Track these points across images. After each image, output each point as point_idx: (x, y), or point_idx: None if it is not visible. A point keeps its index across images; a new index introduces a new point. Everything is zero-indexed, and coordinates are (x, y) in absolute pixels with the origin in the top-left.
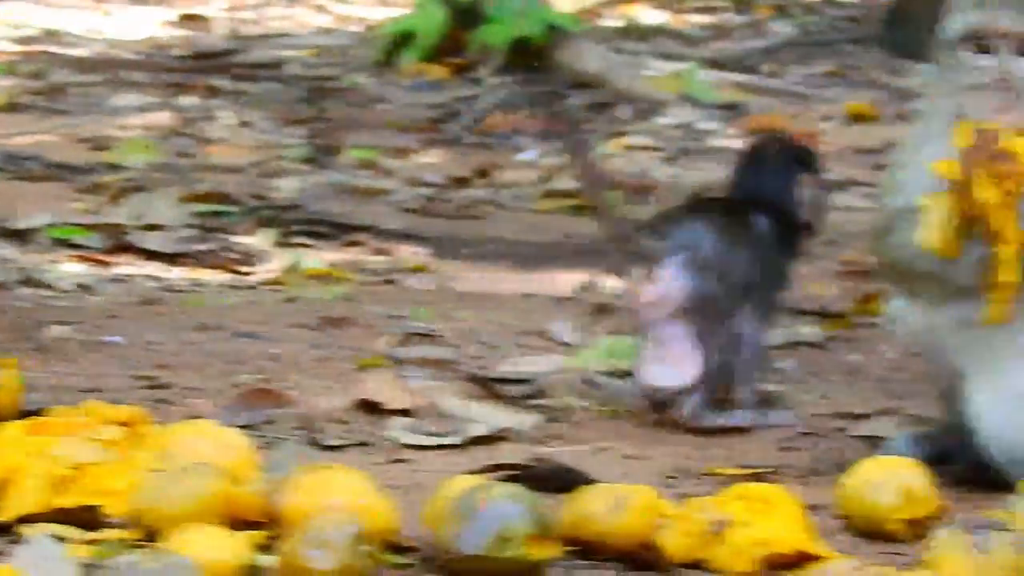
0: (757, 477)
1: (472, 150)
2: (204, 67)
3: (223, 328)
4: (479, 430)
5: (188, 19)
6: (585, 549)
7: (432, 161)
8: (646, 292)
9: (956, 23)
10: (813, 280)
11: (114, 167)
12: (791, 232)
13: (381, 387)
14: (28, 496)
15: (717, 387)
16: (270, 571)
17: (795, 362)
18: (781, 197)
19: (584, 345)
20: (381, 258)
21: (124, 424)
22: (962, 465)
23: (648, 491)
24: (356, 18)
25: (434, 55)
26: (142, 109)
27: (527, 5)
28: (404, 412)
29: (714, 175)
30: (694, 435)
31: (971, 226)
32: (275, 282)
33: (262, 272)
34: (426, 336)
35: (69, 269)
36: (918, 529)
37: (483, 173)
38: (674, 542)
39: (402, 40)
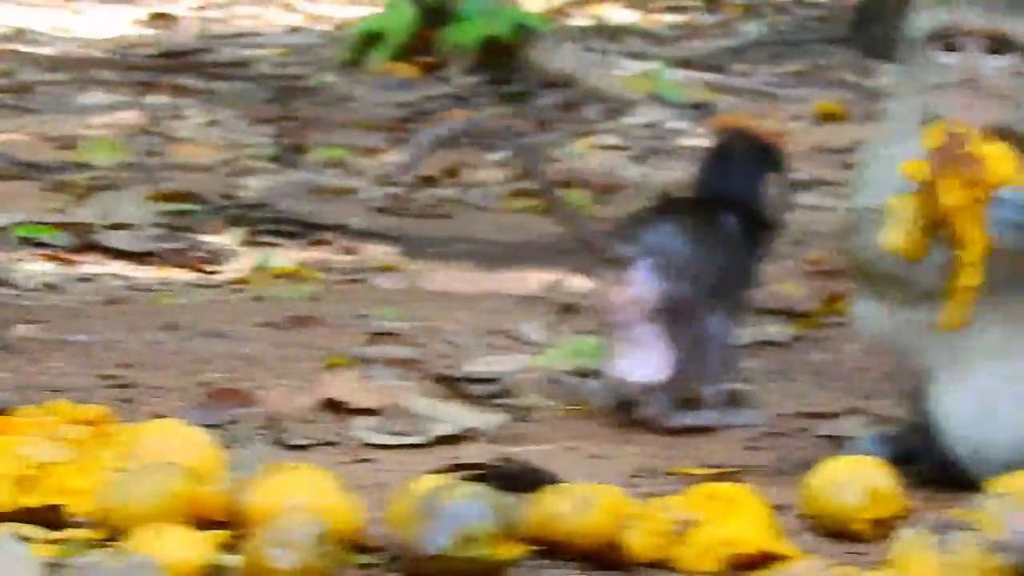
0: (722, 477)
1: (440, 149)
2: (173, 66)
3: (189, 327)
4: (445, 429)
5: (157, 18)
6: (550, 549)
7: (400, 160)
8: (617, 294)
9: (923, 21)
10: (780, 280)
11: (81, 166)
12: (758, 231)
13: (347, 386)
14: None
15: (684, 387)
16: (234, 570)
17: (762, 362)
18: (748, 195)
19: (551, 344)
20: (348, 257)
21: (89, 423)
22: (928, 465)
23: (613, 491)
24: (325, 17)
25: (403, 54)
26: (110, 108)
27: (496, 4)
28: (370, 411)
29: (683, 174)
30: (660, 435)
31: (936, 229)
32: (242, 281)
33: (229, 271)
34: (393, 335)
35: (36, 268)
36: (883, 529)
37: (452, 172)
38: (639, 542)
39: (371, 39)
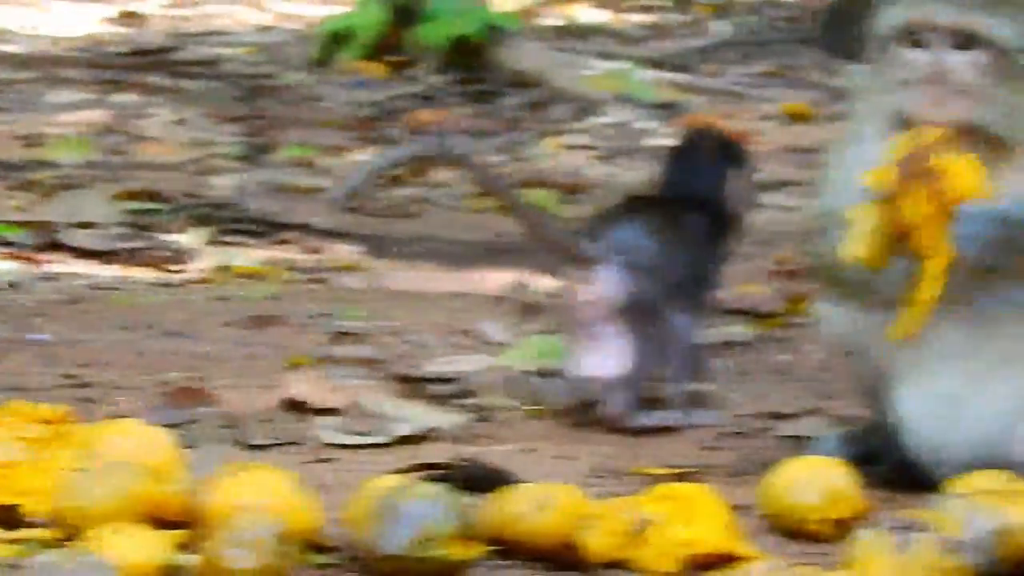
0: (682, 477)
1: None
2: (141, 64)
3: (151, 327)
4: (405, 429)
5: (127, 16)
6: (508, 549)
7: (366, 159)
8: (583, 292)
9: (890, 18)
10: (745, 280)
11: (47, 164)
12: (722, 229)
13: (308, 386)
14: None
15: (647, 386)
16: (191, 571)
17: (724, 362)
18: (712, 194)
19: (513, 344)
20: (313, 256)
21: (48, 423)
22: (888, 465)
23: (572, 491)
24: (295, 16)
25: (372, 53)
26: (78, 106)
27: (466, 4)
28: (331, 411)
29: (650, 174)
30: (621, 435)
31: (898, 239)
32: (205, 280)
33: (193, 271)
34: (355, 335)
35: None
36: (843, 529)
37: (417, 172)
38: (597, 542)
39: (340, 38)
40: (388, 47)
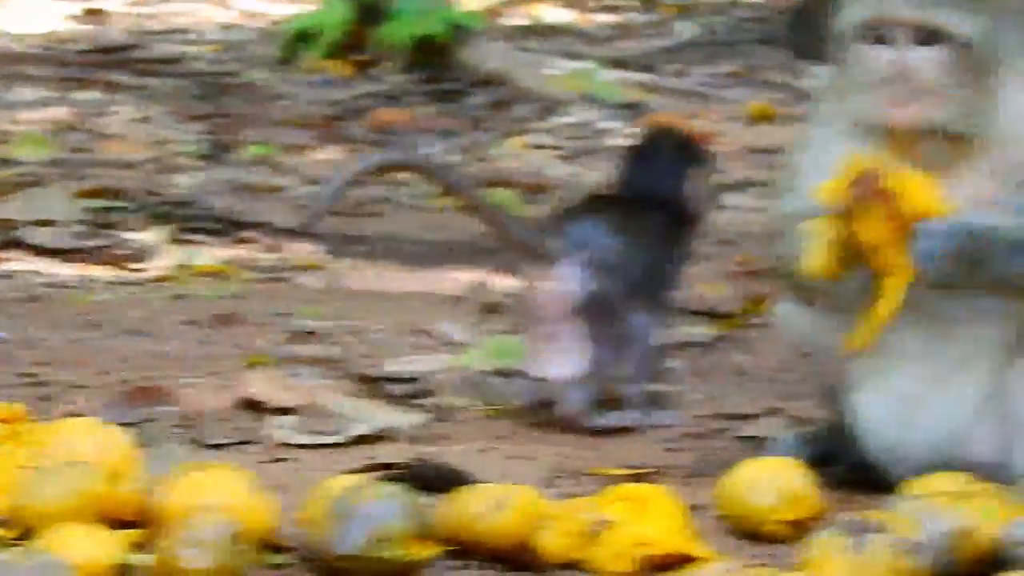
0: (639, 478)
1: (369, 148)
2: (104, 62)
3: (110, 325)
4: (363, 429)
5: (90, 13)
6: (464, 549)
7: (329, 158)
8: (543, 291)
9: (851, 14)
10: (706, 280)
11: (7, 161)
12: (682, 229)
13: (265, 386)
14: None
15: (605, 386)
16: (145, 570)
17: (684, 362)
18: (672, 193)
19: (473, 344)
20: (273, 255)
21: (4, 421)
22: (846, 466)
23: (528, 491)
24: (260, 14)
25: (337, 52)
26: (39, 103)
27: (431, 3)
28: (288, 411)
29: (613, 174)
30: (580, 435)
31: (855, 254)
32: (165, 279)
33: (153, 269)
34: (315, 335)
35: None
36: (799, 530)
37: (381, 171)
38: (553, 542)
39: (305, 37)
40: (353, 46)
